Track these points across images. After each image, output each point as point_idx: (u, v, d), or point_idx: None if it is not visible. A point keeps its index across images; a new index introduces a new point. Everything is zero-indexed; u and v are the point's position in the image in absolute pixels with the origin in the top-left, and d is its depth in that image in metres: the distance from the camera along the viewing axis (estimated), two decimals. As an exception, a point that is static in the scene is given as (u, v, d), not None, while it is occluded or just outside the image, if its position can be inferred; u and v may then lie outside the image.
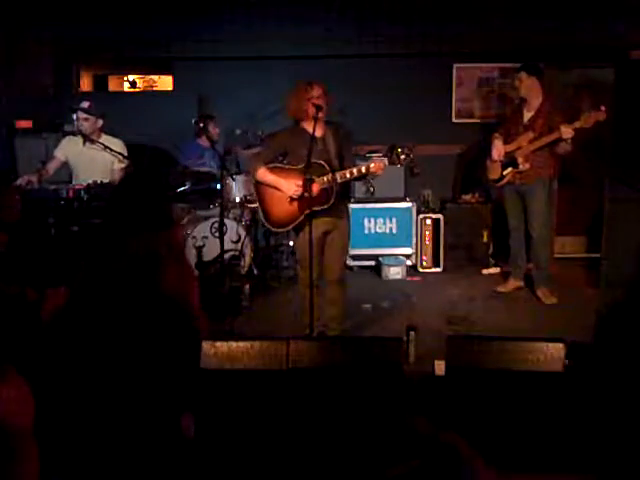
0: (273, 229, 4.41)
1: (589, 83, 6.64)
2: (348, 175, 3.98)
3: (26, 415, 1.24)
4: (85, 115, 5.17)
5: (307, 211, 3.93)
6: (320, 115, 3.92)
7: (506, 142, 5.35)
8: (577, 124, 4.92)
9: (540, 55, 6.42)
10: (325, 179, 3.99)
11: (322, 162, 4.00)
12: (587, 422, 1.61)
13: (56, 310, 2.11)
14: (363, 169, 3.95)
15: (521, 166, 5.23)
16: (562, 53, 6.51)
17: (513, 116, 5.47)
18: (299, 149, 4.03)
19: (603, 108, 4.88)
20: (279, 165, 4.18)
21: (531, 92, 5.25)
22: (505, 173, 5.35)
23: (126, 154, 5.22)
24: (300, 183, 3.96)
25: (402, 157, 3.86)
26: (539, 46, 6.39)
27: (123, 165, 5.19)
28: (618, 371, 1.54)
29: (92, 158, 5.19)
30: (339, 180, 3.99)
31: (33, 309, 3.38)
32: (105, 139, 5.22)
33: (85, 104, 5.22)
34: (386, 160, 3.93)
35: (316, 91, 4.00)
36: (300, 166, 3.99)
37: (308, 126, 4.03)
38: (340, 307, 4.39)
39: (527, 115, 5.30)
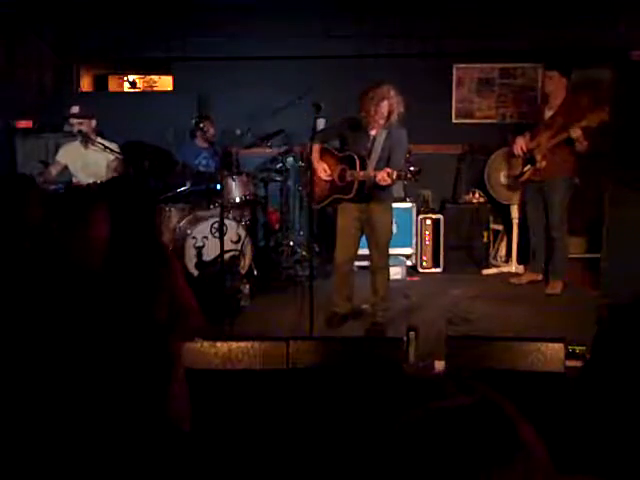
0: (312, 204, 4.91)
1: (589, 83, 6.63)
2: (365, 178, 4.30)
3: None
4: (78, 120, 5.39)
5: (333, 196, 4.52)
6: (376, 118, 4.30)
7: (531, 139, 5.51)
8: (584, 123, 5.06)
9: (540, 55, 6.43)
10: (351, 173, 4.37)
11: (357, 159, 4.33)
12: (587, 422, 1.61)
13: None
14: (371, 176, 4.25)
15: (538, 164, 5.40)
16: (562, 53, 6.51)
17: (536, 114, 5.62)
18: (352, 140, 4.46)
19: (606, 108, 5.01)
20: (329, 148, 4.58)
21: (557, 91, 5.36)
22: (525, 170, 5.53)
23: (121, 156, 5.36)
24: (327, 169, 4.48)
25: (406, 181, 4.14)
26: (539, 46, 6.39)
27: (115, 162, 5.33)
28: (618, 374, 1.53)
29: (89, 160, 5.37)
30: (357, 179, 4.32)
31: None
32: (100, 141, 5.39)
33: (75, 109, 5.45)
34: (394, 173, 4.13)
35: (376, 109, 4.28)
36: (341, 155, 4.49)
37: (368, 123, 4.39)
38: (379, 295, 4.73)
39: (548, 113, 5.43)
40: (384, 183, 4.17)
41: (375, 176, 4.19)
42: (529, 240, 5.86)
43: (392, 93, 4.30)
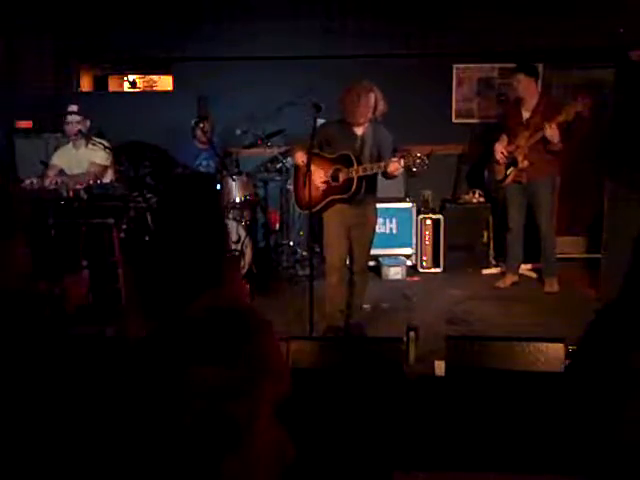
0: (300, 210, 4.83)
1: (589, 83, 6.63)
2: (368, 171, 4.29)
3: None
4: (78, 118, 5.44)
5: (328, 198, 4.41)
6: (364, 112, 4.31)
7: (509, 142, 5.53)
8: (560, 118, 5.10)
9: (540, 55, 6.42)
10: (348, 171, 4.33)
11: (352, 156, 4.30)
12: (586, 423, 1.61)
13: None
14: (379, 167, 4.26)
15: (520, 164, 5.40)
16: (562, 53, 6.51)
17: (513, 116, 5.59)
18: (339, 142, 4.41)
19: (579, 98, 5.05)
20: (316, 151, 4.44)
21: (528, 92, 5.43)
22: (508, 172, 5.53)
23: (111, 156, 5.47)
24: (323, 175, 4.36)
25: (417, 165, 4.09)
26: (539, 46, 6.39)
27: (106, 161, 5.42)
28: (608, 373, 1.54)
29: (81, 158, 5.44)
30: (357, 174, 4.28)
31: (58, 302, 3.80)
32: (93, 139, 5.42)
33: (74, 107, 5.48)
34: (402, 161, 4.17)
35: (364, 102, 4.30)
36: (333, 156, 4.40)
37: (352, 123, 4.40)
38: (359, 297, 4.73)
39: (525, 114, 5.47)
40: (397, 172, 4.27)
41: (386, 167, 4.22)
42: (505, 240, 5.84)
43: (375, 88, 4.36)
